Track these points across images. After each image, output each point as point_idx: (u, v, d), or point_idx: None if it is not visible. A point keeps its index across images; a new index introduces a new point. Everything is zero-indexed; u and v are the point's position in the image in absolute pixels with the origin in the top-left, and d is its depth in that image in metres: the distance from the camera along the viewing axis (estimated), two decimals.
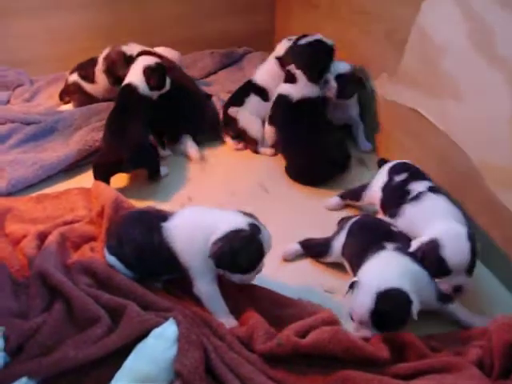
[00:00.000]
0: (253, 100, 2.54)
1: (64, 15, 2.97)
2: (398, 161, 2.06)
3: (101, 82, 2.74)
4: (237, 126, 2.50)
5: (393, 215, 1.87)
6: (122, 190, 2.13)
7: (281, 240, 1.82)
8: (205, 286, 1.66)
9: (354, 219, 1.88)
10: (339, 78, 2.39)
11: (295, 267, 1.92)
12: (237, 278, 1.65)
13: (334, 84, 2.38)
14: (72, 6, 2.98)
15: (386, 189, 1.97)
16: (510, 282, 1.82)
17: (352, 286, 1.57)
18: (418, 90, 2.14)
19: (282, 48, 2.58)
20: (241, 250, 1.57)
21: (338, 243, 1.84)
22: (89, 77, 2.76)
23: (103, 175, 2.20)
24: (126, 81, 2.38)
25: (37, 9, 2.93)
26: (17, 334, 1.49)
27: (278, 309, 1.69)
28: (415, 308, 1.51)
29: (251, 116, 2.50)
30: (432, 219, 1.73)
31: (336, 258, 1.86)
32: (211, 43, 3.22)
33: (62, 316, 1.58)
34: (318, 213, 2.16)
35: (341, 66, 2.42)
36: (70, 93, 2.81)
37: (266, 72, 2.58)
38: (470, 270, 1.63)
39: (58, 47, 2.99)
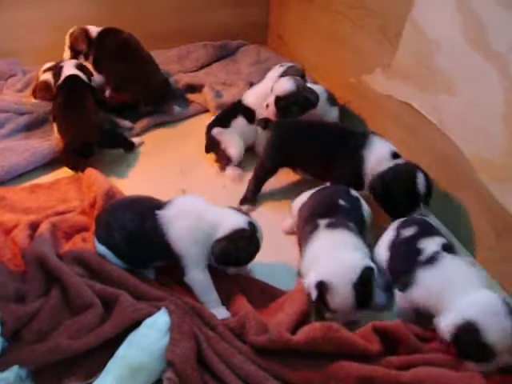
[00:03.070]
0: (239, 122, 2.41)
1: (57, 4, 2.94)
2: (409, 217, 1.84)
3: None
4: (220, 147, 2.37)
5: (405, 286, 1.62)
6: (112, 180, 2.13)
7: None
8: (198, 275, 1.67)
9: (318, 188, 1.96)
10: (278, 100, 2.22)
11: (271, 243, 1.85)
12: (232, 270, 1.73)
13: (272, 108, 2.24)
14: None
15: (393, 246, 1.74)
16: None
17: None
18: (411, 84, 2.15)
19: (274, 74, 2.44)
20: (243, 249, 1.69)
21: (298, 203, 1.95)
22: None
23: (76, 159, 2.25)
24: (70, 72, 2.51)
25: None
26: (13, 319, 1.49)
27: (268, 298, 1.72)
28: None
29: (235, 136, 2.37)
30: (456, 289, 1.51)
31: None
32: (206, 35, 3.20)
33: (59, 302, 1.58)
34: None
35: (282, 86, 2.24)
36: (37, 90, 2.74)
37: (259, 94, 2.41)
38: None
39: (51, 37, 2.94)
